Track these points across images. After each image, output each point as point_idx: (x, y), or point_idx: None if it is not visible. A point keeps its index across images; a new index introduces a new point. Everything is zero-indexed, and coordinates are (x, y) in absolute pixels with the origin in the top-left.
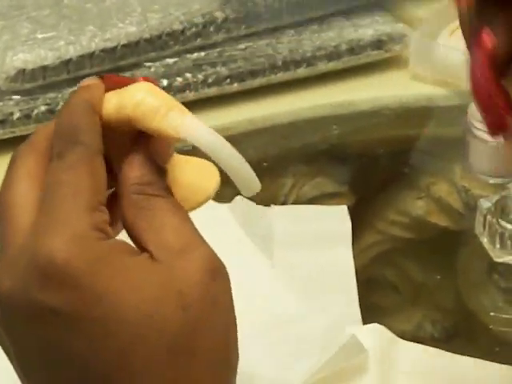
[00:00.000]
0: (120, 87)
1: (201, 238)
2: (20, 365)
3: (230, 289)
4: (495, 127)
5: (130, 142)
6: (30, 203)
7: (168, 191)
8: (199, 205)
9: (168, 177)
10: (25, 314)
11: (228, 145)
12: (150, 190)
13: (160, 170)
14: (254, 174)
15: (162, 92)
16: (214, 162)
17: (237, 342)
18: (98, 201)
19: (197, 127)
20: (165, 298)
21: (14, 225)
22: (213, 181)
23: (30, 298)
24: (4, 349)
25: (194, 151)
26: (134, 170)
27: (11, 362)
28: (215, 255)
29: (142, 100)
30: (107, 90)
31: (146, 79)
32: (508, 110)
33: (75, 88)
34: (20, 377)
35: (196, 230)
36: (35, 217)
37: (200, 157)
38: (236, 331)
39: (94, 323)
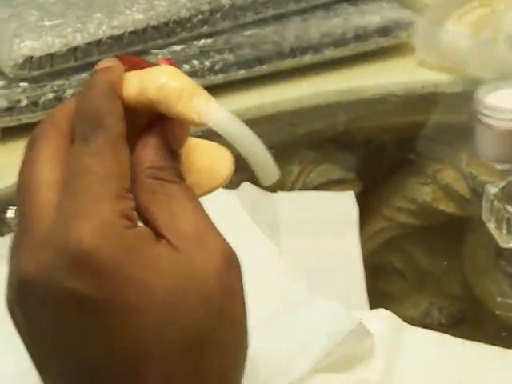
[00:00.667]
0: (138, 69)
1: (214, 226)
2: (37, 352)
3: (242, 278)
4: None
5: (145, 124)
6: (53, 185)
7: (181, 177)
8: (213, 190)
9: (181, 161)
10: (48, 300)
11: (250, 132)
12: (163, 174)
13: (174, 155)
14: (274, 163)
15: (185, 76)
16: (229, 148)
17: (248, 330)
18: (124, 187)
19: (220, 114)
20: (189, 288)
21: (36, 207)
22: (226, 166)
23: (56, 284)
24: (19, 332)
25: (204, 135)
26: (149, 154)
27: (26, 347)
28: (229, 244)
29: (166, 83)
30: (125, 70)
31: (167, 61)
32: None
33: (84, 75)
34: (36, 364)
35: (209, 217)
36: (58, 199)
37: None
38: (247, 319)
39: (120, 310)
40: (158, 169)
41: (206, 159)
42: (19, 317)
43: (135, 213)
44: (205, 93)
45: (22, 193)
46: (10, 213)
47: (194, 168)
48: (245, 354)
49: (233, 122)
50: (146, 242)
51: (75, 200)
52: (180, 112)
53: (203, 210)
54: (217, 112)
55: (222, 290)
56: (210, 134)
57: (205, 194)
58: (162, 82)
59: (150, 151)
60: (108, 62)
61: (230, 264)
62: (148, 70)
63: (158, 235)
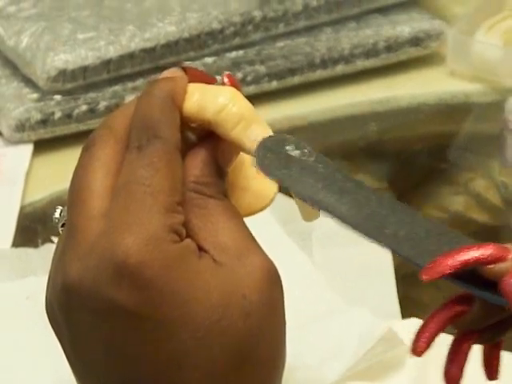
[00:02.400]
0: (202, 82)
1: (256, 242)
2: (75, 358)
3: (283, 293)
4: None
5: (197, 137)
6: (105, 191)
7: (225, 194)
8: (256, 212)
9: (227, 179)
10: (90, 306)
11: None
12: (207, 190)
13: (221, 172)
14: None
15: (245, 100)
16: None
17: (286, 342)
18: (175, 201)
19: None
20: (231, 304)
21: (87, 214)
22: (272, 188)
23: (99, 291)
24: (59, 338)
25: None
26: (195, 168)
27: (65, 352)
28: (270, 260)
29: (225, 106)
30: (188, 81)
31: (231, 78)
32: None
33: (117, 87)
34: (74, 370)
35: (251, 234)
36: (108, 206)
37: None
38: (285, 332)
39: (161, 325)
40: (203, 184)
41: (253, 180)
42: (60, 322)
43: (183, 227)
44: (261, 121)
45: (74, 197)
46: (57, 213)
47: (240, 188)
48: (283, 366)
49: None
50: (190, 256)
51: (125, 211)
52: (234, 138)
53: (245, 227)
54: None
55: (263, 305)
56: None
57: (248, 215)
58: (222, 105)
59: (197, 165)
60: (173, 72)
61: (271, 279)
62: (210, 87)
63: (200, 248)
